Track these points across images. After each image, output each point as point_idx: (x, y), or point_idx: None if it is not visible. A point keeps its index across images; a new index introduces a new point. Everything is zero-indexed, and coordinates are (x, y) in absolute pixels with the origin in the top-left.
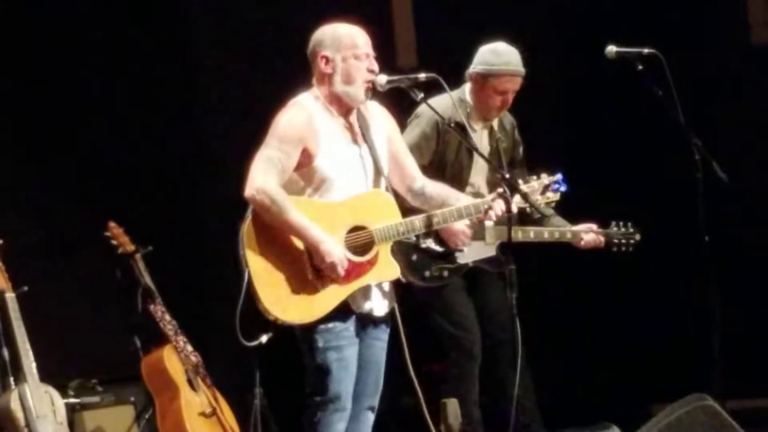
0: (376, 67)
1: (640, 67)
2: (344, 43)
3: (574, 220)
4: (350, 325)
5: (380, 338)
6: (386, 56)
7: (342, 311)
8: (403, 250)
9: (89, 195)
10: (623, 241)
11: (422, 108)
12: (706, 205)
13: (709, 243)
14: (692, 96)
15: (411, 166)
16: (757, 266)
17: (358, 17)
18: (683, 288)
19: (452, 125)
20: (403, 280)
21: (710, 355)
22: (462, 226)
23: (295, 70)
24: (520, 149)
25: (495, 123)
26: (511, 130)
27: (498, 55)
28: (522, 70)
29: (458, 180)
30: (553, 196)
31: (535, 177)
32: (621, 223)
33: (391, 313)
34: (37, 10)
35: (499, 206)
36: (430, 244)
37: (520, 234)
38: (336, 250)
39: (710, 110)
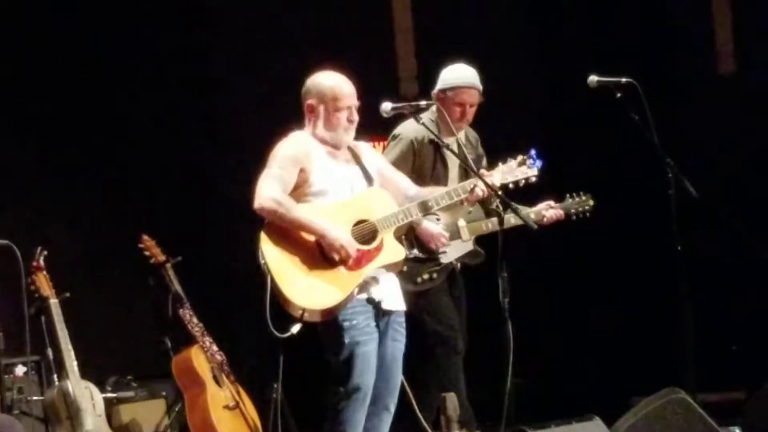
0: (355, 117)
1: (619, 95)
2: (327, 95)
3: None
4: (371, 321)
5: (399, 339)
6: (390, 85)
7: (364, 308)
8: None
9: (125, 210)
10: (579, 209)
11: (399, 130)
12: (678, 217)
13: (681, 251)
14: (665, 120)
15: (402, 179)
16: (725, 273)
17: (365, 51)
18: (659, 292)
19: (427, 142)
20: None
21: (683, 353)
22: (439, 229)
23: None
24: (484, 161)
25: (462, 137)
26: (475, 143)
27: (453, 72)
28: (475, 83)
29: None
30: (530, 171)
31: (510, 158)
32: (574, 194)
33: (404, 314)
34: (65, 26)
35: (482, 185)
36: (416, 252)
37: (489, 225)
38: (342, 234)
39: (681, 133)
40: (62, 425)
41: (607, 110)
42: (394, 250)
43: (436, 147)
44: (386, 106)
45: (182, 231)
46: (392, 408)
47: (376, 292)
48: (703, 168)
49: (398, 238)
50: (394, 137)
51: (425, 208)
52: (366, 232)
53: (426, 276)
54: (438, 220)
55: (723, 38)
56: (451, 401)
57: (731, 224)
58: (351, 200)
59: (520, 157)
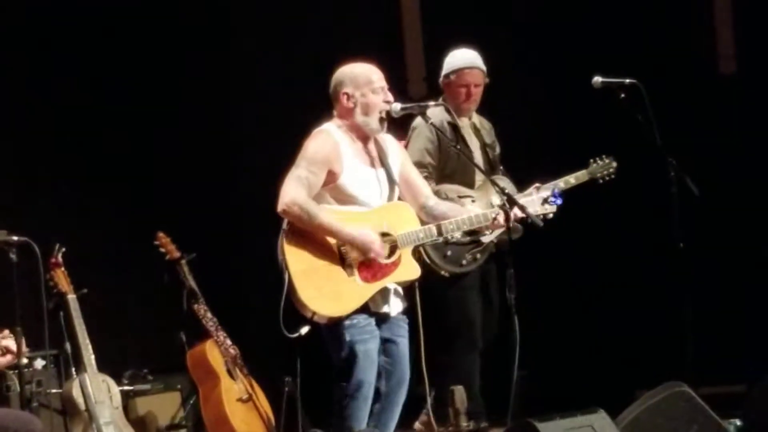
0: (390, 97)
1: (623, 95)
2: (361, 80)
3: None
4: (372, 320)
5: (402, 335)
6: (398, 87)
7: (364, 309)
8: (437, 248)
9: (141, 208)
10: (605, 172)
11: (416, 121)
12: (680, 215)
13: (683, 248)
14: (667, 120)
15: (422, 186)
16: (725, 270)
17: (375, 53)
18: (662, 288)
19: (446, 125)
20: (446, 274)
21: (685, 347)
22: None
23: (318, 98)
24: (498, 148)
25: (477, 123)
26: (490, 130)
27: (454, 56)
28: (477, 63)
29: (467, 170)
30: (550, 208)
31: (534, 189)
32: (597, 158)
33: (406, 311)
34: (82, 22)
35: (503, 216)
36: (458, 236)
37: (524, 200)
38: (372, 236)
39: (683, 133)
40: (80, 417)
41: (610, 110)
42: (410, 268)
43: (455, 129)
44: (395, 107)
45: (197, 228)
46: (401, 402)
47: (383, 307)
48: (703, 167)
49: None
50: (414, 129)
51: (445, 232)
52: (386, 246)
53: (470, 257)
54: (473, 201)
55: (724, 39)
56: (459, 394)
57: (731, 222)
58: (375, 211)
59: (544, 193)
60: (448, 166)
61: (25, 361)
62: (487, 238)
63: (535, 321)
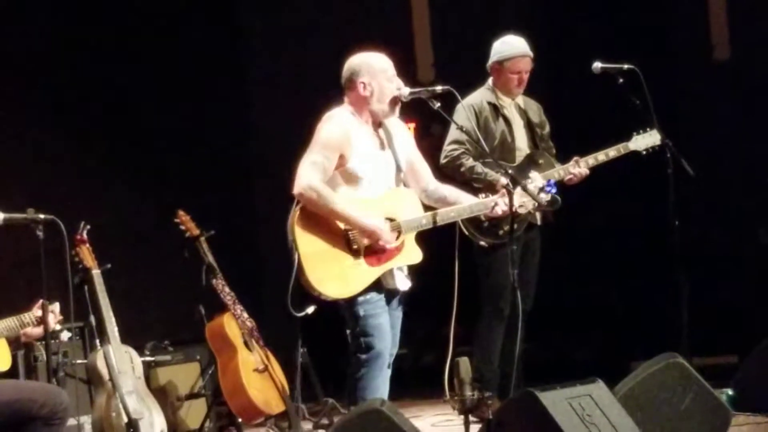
0: (401, 84)
1: (621, 80)
2: (377, 69)
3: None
4: (383, 296)
5: (399, 309)
6: (407, 72)
7: (376, 287)
8: (473, 221)
9: (162, 187)
10: (649, 145)
11: (457, 106)
12: (676, 194)
13: (678, 226)
14: (663, 105)
15: (425, 170)
16: (718, 247)
17: (384, 39)
18: (657, 264)
19: (486, 105)
20: (485, 244)
21: (679, 320)
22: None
23: (330, 83)
24: (547, 127)
25: (522, 102)
26: (538, 110)
27: (507, 44)
28: (528, 52)
29: (508, 148)
30: (544, 197)
31: (573, 162)
32: (641, 130)
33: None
34: (104, 11)
35: (503, 203)
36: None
37: (561, 172)
38: (382, 225)
39: (678, 117)
40: (104, 386)
41: (608, 95)
42: (412, 253)
43: (495, 108)
44: (404, 91)
45: (216, 207)
46: (390, 364)
47: (392, 284)
48: (698, 150)
49: (417, 240)
50: (456, 111)
51: (446, 219)
52: (391, 231)
53: (507, 227)
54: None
55: (718, 25)
56: (464, 365)
57: (723, 201)
58: (382, 197)
59: (540, 183)
60: (486, 144)
61: (58, 327)
62: (523, 209)
63: (539, 297)
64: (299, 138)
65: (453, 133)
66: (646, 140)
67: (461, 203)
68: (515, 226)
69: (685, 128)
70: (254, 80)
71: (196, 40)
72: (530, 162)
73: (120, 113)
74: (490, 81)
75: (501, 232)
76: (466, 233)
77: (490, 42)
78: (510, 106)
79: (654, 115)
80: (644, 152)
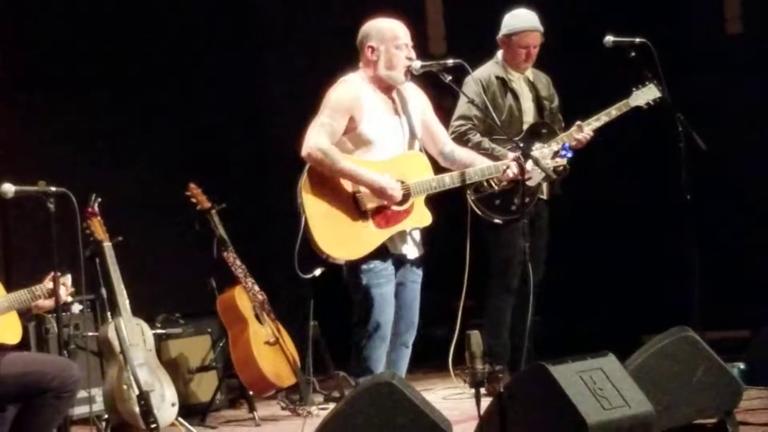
0: (413, 54)
1: (633, 54)
2: (387, 36)
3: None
4: (388, 265)
5: (415, 281)
6: (419, 45)
7: (381, 254)
8: (485, 199)
9: (174, 160)
10: (649, 98)
11: (466, 78)
12: (688, 168)
13: (690, 200)
14: (675, 78)
15: (441, 133)
16: (729, 220)
17: (396, 11)
18: (670, 237)
19: (494, 79)
20: (499, 221)
21: (691, 293)
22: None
23: (345, 49)
24: (556, 100)
25: (531, 75)
26: (547, 83)
27: (517, 18)
28: (538, 26)
29: (516, 120)
30: (560, 161)
31: (575, 127)
32: (639, 85)
33: (422, 260)
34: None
35: (515, 167)
36: (504, 184)
37: (565, 139)
38: (390, 181)
39: (690, 91)
40: (115, 359)
41: (620, 68)
42: (422, 215)
43: (504, 83)
44: (416, 64)
45: (226, 180)
46: (410, 343)
47: (400, 248)
48: (710, 125)
49: (427, 202)
50: (465, 83)
51: (460, 181)
52: (401, 191)
53: (518, 202)
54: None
55: (731, 0)
56: (475, 338)
57: (734, 174)
58: (391, 160)
59: (555, 147)
60: (496, 113)
61: (69, 300)
62: (532, 182)
63: (551, 270)
64: (312, 110)
65: (461, 108)
66: (646, 95)
67: (476, 166)
68: (527, 199)
69: (696, 102)
70: (268, 53)
71: (210, 14)
72: (532, 134)
73: (131, 86)
74: (499, 54)
75: (513, 208)
76: (478, 212)
77: (502, 15)
78: (519, 80)
79: (666, 89)
80: (645, 106)
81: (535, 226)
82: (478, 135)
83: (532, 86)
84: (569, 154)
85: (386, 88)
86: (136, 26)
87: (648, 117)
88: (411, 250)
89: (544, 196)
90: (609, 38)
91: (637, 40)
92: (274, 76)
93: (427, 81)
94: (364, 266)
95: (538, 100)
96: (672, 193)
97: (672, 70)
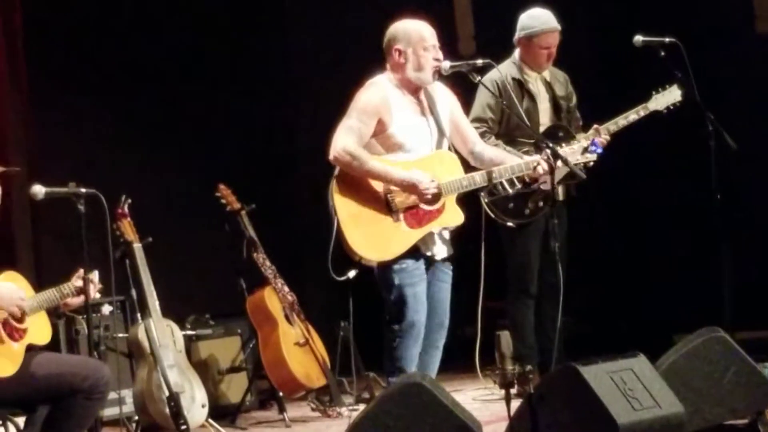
0: (440, 55)
1: (663, 54)
2: (414, 38)
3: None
4: (420, 264)
5: (445, 280)
6: (449, 45)
7: (413, 253)
8: (500, 203)
9: (203, 162)
10: (669, 101)
11: (482, 79)
12: (719, 168)
13: (721, 199)
14: (705, 77)
15: (471, 133)
16: (760, 220)
17: (425, 12)
18: (701, 237)
19: (510, 80)
20: (513, 225)
21: (722, 294)
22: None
23: (374, 49)
24: (574, 98)
25: (548, 75)
26: (564, 82)
27: (536, 18)
28: (557, 26)
29: (533, 122)
30: (590, 157)
31: (575, 140)
32: (660, 88)
33: (451, 258)
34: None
35: (544, 164)
36: (518, 188)
37: (583, 140)
38: (423, 176)
39: (720, 90)
40: (145, 360)
41: (650, 68)
42: (454, 214)
43: (520, 84)
44: (445, 65)
45: (256, 180)
46: (441, 345)
47: (430, 249)
48: (740, 123)
49: (459, 202)
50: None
51: (488, 180)
52: (433, 185)
53: (532, 206)
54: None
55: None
56: (505, 339)
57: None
58: (421, 160)
59: (585, 143)
60: (512, 119)
61: (98, 296)
62: (546, 185)
63: (583, 270)
64: (342, 110)
65: (476, 110)
66: (666, 98)
67: (506, 164)
68: (541, 203)
69: (726, 101)
70: (296, 53)
71: (238, 17)
72: (548, 136)
73: (161, 87)
74: (516, 54)
75: (527, 212)
76: (492, 216)
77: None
78: (536, 81)
79: (695, 88)
80: (665, 111)
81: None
82: (494, 138)
83: (549, 86)
84: (599, 150)
85: (414, 89)
86: (166, 32)
87: (678, 116)
88: (441, 250)
89: (560, 197)
90: (639, 38)
91: (667, 39)
92: (303, 76)
93: (456, 81)
94: (396, 266)
95: (554, 100)
96: (703, 193)
97: (702, 69)
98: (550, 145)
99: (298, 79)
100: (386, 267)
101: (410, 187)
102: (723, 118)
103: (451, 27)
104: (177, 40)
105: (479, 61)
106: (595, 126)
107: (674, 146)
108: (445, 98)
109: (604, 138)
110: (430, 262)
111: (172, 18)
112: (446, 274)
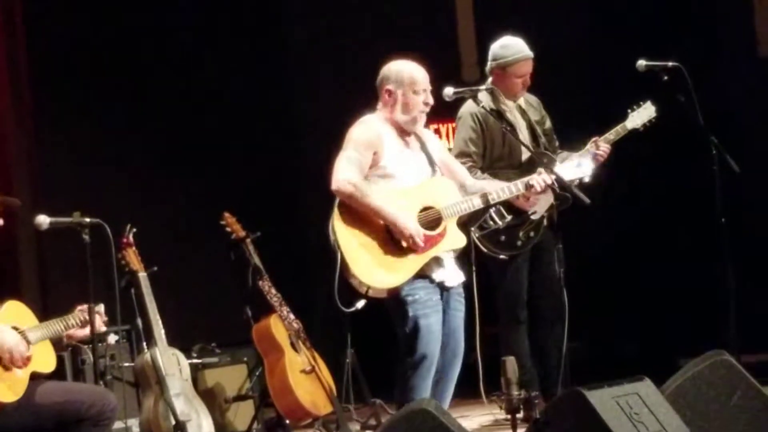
0: (431, 100)
1: (666, 78)
2: (405, 80)
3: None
4: (433, 295)
5: (459, 309)
6: (453, 71)
7: (424, 283)
8: (490, 236)
9: (207, 190)
10: (645, 118)
11: (461, 110)
12: (723, 190)
13: (725, 223)
14: (708, 102)
15: (460, 168)
16: (765, 242)
17: (428, 38)
18: (705, 261)
19: (488, 111)
20: (505, 257)
21: (727, 317)
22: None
23: (377, 76)
24: (548, 121)
25: (522, 102)
26: (537, 106)
27: (508, 48)
28: (530, 54)
29: (513, 152)
30: (586, 172)
31: (592, 144)
32: (635, 106)
33: (463, 286)
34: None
35: (540, 179)
36: (508, 220)
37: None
38: (411, 223)
39: (723, 114)
40: (151, 389)
41: (653, 92)
42: (456, 237)
43: (499, 114)
44: (448, 91)
45: (261, 209)
46: (455, 377)
47: (439, 274)
48: (743, 147)
49: (461, 225)
50: (459, 118)
51: (486, 201)
52: (431, 219)
53: (523, 237)
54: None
55: (763, 21)
56: (511, 364)
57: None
58: (418, 187)
59: (577, 159)
60: (494, 150)
61: (104, 329)
62: (537, 215)
63: (581, 294)
64: (344, 137)
65: (458, 145)
66: (641, 115)
67: (501, 185)
68: (532, 234)
69: (729, 125)
70: (299, 81)
71: (239, 42)
72: (532, 164)
73: (165, 115)
74: (489, 83)
75: (519, 243)
76: (485, 250)
77: (535, 41)
78: (512, 109)
79: (699, 112)
80: (642, 128)
81: (543, 255)
82: (479, 172)
83: (524, 113)
84: (592, 166)
85: (402, 130)
86: (171, 61)
87: (682, 140)
88: (450, 277)
89: (544, 223)
90: (642, 62)
91: (670, 63)
92: (307, 103)
93: (456, 107)
94: (410, 297)
95: (531, 127)
96: (707, 216)
97: (705, 93)
98: (556, 173)
99: (303, 107)
100: (399, 298)
101: (399, 232)
102: (726, 142)
103: (454, 53)
104: (183, 69)
105: (482, 87)
106: (594, 139)
107: (678, 170)
108: (433, 141)
109: (603, 150)
110: (442, 291)
111: (179, 47)
112: (459, 302)
